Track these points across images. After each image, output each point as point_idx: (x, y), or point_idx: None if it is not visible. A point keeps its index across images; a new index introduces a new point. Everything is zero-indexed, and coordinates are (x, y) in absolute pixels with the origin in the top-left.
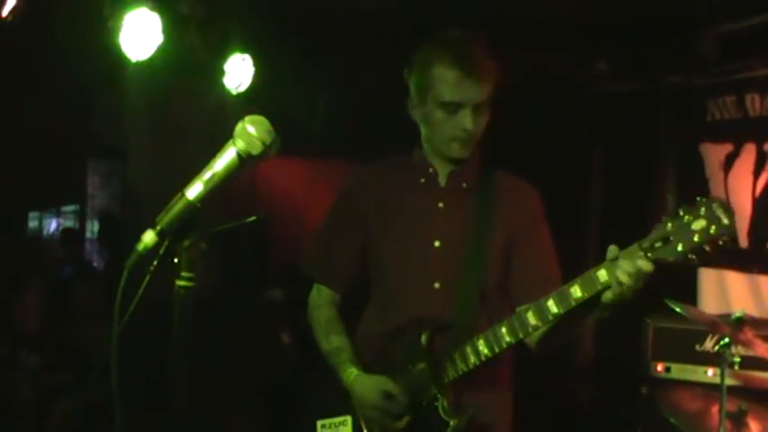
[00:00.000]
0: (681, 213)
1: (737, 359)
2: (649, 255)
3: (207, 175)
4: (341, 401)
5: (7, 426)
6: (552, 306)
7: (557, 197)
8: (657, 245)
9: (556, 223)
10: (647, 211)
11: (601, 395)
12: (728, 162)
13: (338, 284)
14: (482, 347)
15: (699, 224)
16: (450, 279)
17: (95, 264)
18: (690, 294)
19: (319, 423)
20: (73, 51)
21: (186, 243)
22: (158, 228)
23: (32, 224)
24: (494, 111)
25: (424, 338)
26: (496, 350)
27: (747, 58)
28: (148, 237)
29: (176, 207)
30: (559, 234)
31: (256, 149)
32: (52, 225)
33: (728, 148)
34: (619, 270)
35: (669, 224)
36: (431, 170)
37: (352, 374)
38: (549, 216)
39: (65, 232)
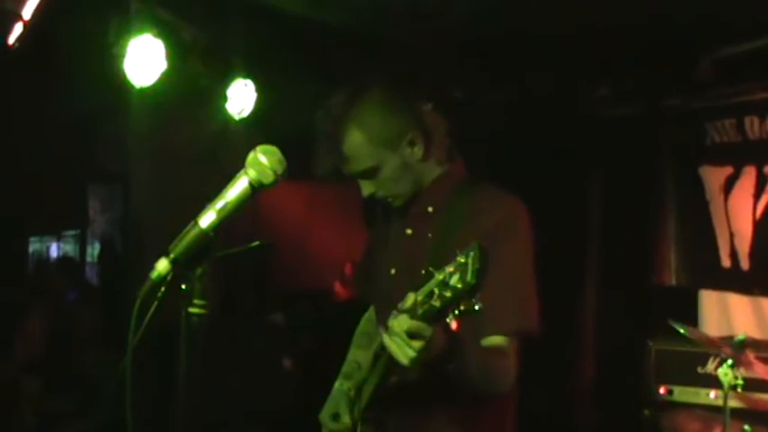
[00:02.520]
0: (449, 265)
1: (740, 381)
2: (419, 310)
3: (220, 204)
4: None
5: None
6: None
7: (555, 221)
8: (426, 299)
9: (554, 249)
10: (648, 235)
11: (603, 418)
12: (729, 185)
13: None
14: (378, 368)
15: (454, 279)
16: None
17: (96, 289)
18: (691, 316)
19: None
20: (77, 77)
21: (199, 271)
22: (172, 256)
23: (32, 248)
24: (494, 133)
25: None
26: (385, 371)
27: (746, 81)
28: (162, 265)
29: (189, 236)
30: (558, 261)
31: (268, 179)
32: (53, 250)
33: (728, 170)
34: (384, 335)
35: (437, 275)
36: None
37: (337, 384)
38: (547, 242)
39: (64, 261)
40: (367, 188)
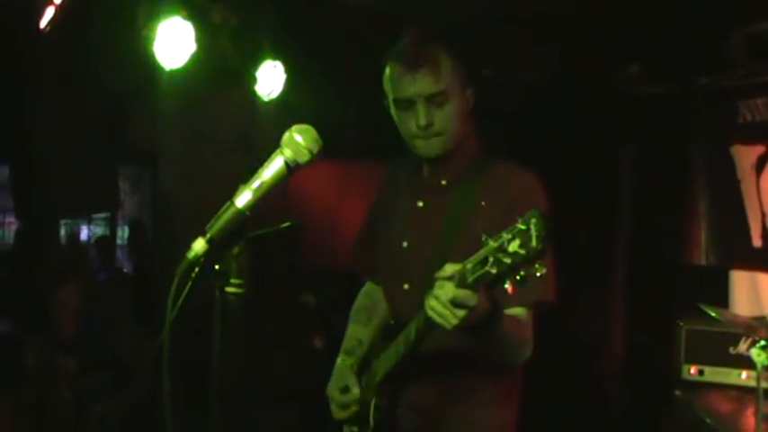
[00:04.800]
0: (505, 232)
1: None
2: (469, 279)
3: (255, 183)
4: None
5: (47, 428)
6: (420, 316)
7: (587, 199)
8: (477, 267)
9: (584, 227)
10: (679, 215)
11: (634, 399)
12: (761, 163)
13: (367, 273)
14: (400, 344)
15: (514, 245)
16: (417, 280)
17: (126, 270)
18: (722, 297)
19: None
20: (108, 60)
21: (236, 250)
22: (208, 236)
23: (63, 231)
24: (525, 112)
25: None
26: (409, 344)
27: None
28: (199, 245)
29: (226, 215)
30: (588, 238)
31: (304, 158)
32: (83, 232)
33: (760, 149)
34: (428, 298)
35: (491, 242)
36: (424, 169)
37: (339, 360)
38: (578, 220)
39: (99, 240)
40: (427, 116)
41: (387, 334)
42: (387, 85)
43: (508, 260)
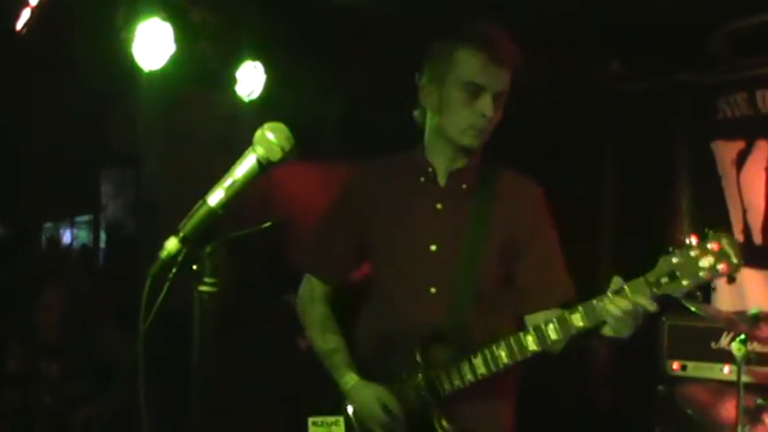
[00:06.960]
0: (688, 245)
1: (754, 356)
2: (655, 290)
3: (228, 182)
4: (335, 402)
5: None
6: (552, 333)
7: (568, 197)
8: (664, 280)
9: (567, 224)
10: (661, 211)
11: (617, 394)
12: (741, 159)
13: (331, 277)
14: (479, 366)
15: (707, 260)
16: (445, 284)
17: (108, 272)
18: (704, 292)
19: (311, 420)
20: (86, 62)
21: (208, 249)
22: (181, 235)
23: (46, 234)
24: (508, 111)
25: (418, 353)
26: (493, 369)
27: (758, 54)
28: (171, 244)
29: (198, 214)
30: (571, 235)
31: (276, 156)
32: (66, 235)
33: (740, 145)
34: (616, 307)
35: (676, 258)
36: (430, 169)
37: (351, 381)
38: (561, 217)
39: (82, 249)
40: (490, 108)
41: (430, 341)
42: (456, 66)
43: (704, 275)
